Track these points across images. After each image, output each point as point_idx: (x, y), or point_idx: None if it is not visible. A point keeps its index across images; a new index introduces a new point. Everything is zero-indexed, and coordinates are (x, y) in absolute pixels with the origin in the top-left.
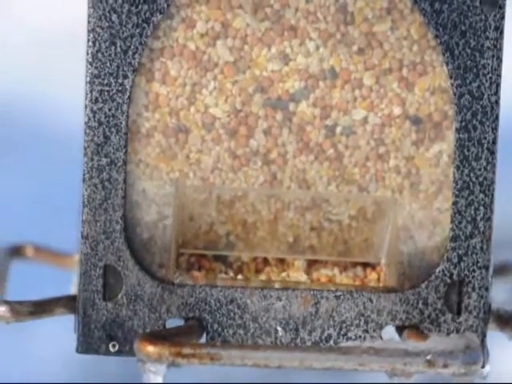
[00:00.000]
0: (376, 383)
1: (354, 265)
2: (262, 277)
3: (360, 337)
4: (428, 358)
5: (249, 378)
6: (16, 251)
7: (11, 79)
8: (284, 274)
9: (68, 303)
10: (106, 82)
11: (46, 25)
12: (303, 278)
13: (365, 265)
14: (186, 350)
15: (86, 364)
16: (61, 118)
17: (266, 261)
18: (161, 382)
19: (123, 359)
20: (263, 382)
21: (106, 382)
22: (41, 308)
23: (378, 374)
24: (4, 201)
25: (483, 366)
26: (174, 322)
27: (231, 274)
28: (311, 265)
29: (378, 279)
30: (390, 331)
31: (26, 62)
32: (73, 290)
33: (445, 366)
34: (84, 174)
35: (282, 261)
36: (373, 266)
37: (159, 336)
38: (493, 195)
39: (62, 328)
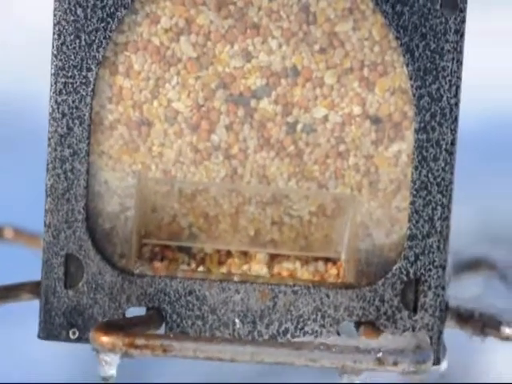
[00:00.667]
0: (375, 383)
1: (316, 259)
2: (224, 269)
3: (316, 331)
4: (378, 355)
5: (249, 378)
6: None
7: (11, 79)
8: (245, 267)
9: (34, 289)
10: (70, 74)
11: (46, 25)
12: (264, 271)
13: (326, 260)
14: (140, 341)
15: (86, 364)
16: None
17: (229, 253)
18: (114, 372)
19: (123, 360)
20: (263, 382)
21: (106, 383)
22: (6, 293)
23: (377, 375)
24: (4, 201)
25: (438, 363)
26: (136, 312)
27: (194, 265)
28: (273, 258)
29: (338, 274)
30: (350, 327)
31: (26, 62)
32: None
33: (395, 364)
34: (48, 164)
35: (244, 253)
36: (333, 261)
37: (115, 326)
38: (450, 196)
39: None
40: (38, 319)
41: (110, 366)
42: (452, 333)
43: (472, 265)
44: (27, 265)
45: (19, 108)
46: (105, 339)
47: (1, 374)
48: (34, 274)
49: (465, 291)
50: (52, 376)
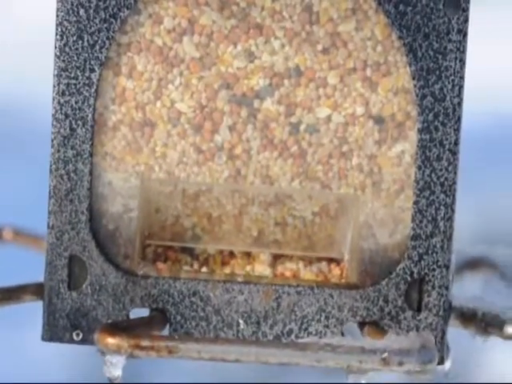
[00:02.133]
0: (374, 383)
1: (319, 260)
2: (227, 270)
3: (321, 332)
4: (383, 356)
5: (249, 378)
6: None
7: (11, 79)
8: (249, 268)
9: (36, 290)
10: (73, 75)
11: (46, 25)
12: (267, 271)
13: (329, 260)
14: (145, 343)
15: (86, 364)
16: None
17: (232, 253)
18: (120, 373)
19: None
20: (263, 382)
21: (106, 383)
22: (8, 295)
23: (378, 375)
24: (4, 200)
25: (442, 363)
26: (139, 313)
27: (197, 266)
28: (276, 259)
29: (341, 275)
30: (354, 327)
31: (26, 62)
32: None
33: (400, 364)
34: (51, 166)
35: (247, 254)
36: (337, 262)
37: (120, 327)
38: (454, 195)
39: None
40: (38, 320)
41: (116, 367)
42: (452, 332)
43: (472, 264)
44: (27, 266)
45: (19, 108)
46: (110, 341)
47: (1, 374)
48: (34, 275)
49: (465, 291)
50: (52, 376)
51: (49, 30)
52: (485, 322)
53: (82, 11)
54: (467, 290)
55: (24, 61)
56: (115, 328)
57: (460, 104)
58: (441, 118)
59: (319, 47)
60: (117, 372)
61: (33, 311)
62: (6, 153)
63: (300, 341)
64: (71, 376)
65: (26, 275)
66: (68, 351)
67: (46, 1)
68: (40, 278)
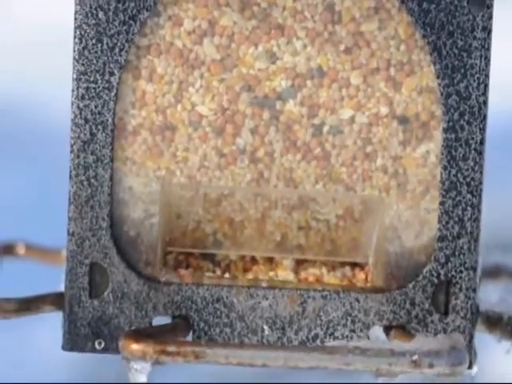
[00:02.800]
0: (378, 383)
1: (343, 264)
2: (250, 276)
3: (347, 336)
4: (413, 358)
5: (249, 378)
6: (7, 249)
7: (11, 79)
8: (272, 273)
9: (56, 300)
10: (92, 79)
11: (46, 25)
12: (291, 277)
13: (353, 264)
14: (171, 348)
15: (86, 364)
16: (61, 117)
17: (253, 260)
18: (145, 380)
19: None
20: (263, 382)
21: (106, 382)
22: (27, 305)
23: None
24: (4, 200)
25: (470, 367)
26: (161, 321)
27: (219, 272)
28: (299, 264)
29: (366, 279)
30: (378, 331)
31: (26, 62)
32: (63, 287)
33: (430, 366)
34: (70, 171)
35: (270, 260)
36: (361, 266)
37: (144, 334)
38: (480, 196)
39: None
40: (38, 320)
41: (141, 373)
42: None
43: (492, 272)
44: (40, 280)
45: (19, 108)
46: (135, 347)
47: (1, 374)
48: (48, 289)
49: (488, 297)
50: (52, 376)
51: (49, 30)
52: (511, 327)
53: (101, 14)
54: (490, 296)
55: (24, 61)
56: (139, 334)
57: (485, 102)
58: (466, 117)
59: (342, 47)
60: (142, 379)
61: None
62: (6, 153)
63: (328, 344)
64: (71, 376)
65: (40, 289)
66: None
67: (46, 1)
68: (53, 290)
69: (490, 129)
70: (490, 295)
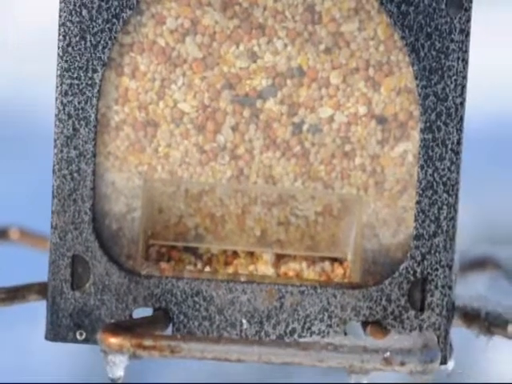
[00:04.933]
0: (377, 383)
1: (322, 259)
2: (230, 269)
3: (324, 331)
4: (385, 355)
5: (249, 378)
6: (0, 234)
7: (11, 79)
8: (252, 267)
9: (41, 290)
10: (75, 75)
11: (45, 25)
12: (270, 271)
13: (332, 260)
14: (147, 342)
15: (85, 364)
16: None
17: (235, 253)
18: (122, 373)
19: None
20: (263, 382)
21: (106, 382)
22: (13, 294)
23: (379, 375)
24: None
25: (445, 363)
26: (143, 313)
27: (200, 265)
28: (279, 258)
29: (344, 274)
30: (357, 326)
31: (26, 62)
32: None
33: (402, 363)
34: (54, 166)
35: (250, 254)
36: (340, 262)
37: (122, 327)
38: (457, 195)
39: None
40: (38, 319)
41: (118, 367)
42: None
43: (477, 264)
44: (33, 266)
45: (19, 109)
46: (113, 340)
47: (2, 374)
48: (40, 274)
49: (470, 290)
50: (52, 376)
51: (49, 31)
52: (488, 322)
53: (84, 12)
54: (472, 289)
55: (24, 61)
56: (118, 328)
57: (462, 104)
58: (443, 118)
59: (322, 47)
60: (119, 372)
61: (33, 310)
62: (5, 153)
63: (302, 340)
64: (71, 376)
65: (33, 275)
66: (68, 351)
67: (46, 1)
68: (46, 277)
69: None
70: (473, 288)
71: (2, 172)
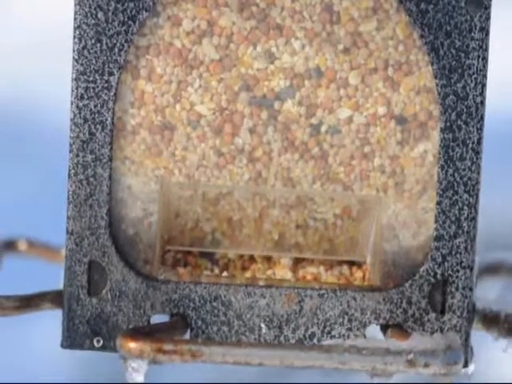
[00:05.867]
0: (376, 383)
1: (340, 263)
2: (248, 274)
3: (343, 335)
4: (409, 357)
5: (249, 378)
6: (9, 246)
7: (11, 79)
8: (270, 272)
9: (55, 298)
10: (91, 78)
11: (46, 25)
12: (288, 275)
13: (351, 263)
14: (168, 347)
15: (85, 364)
16: (61, 117)
17: (252, 258)
18: (142, 379)
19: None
20: (263, 382)
21: (106, 382)
22: (27, 303)
23: (396, 376)
24: (4, 200)
25: (466, 366)
26: (159, 319)
27: (217, 271)
28: (297, 263)
29: (364, 278)
30: (375, 330)
31: (26, 62)
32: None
33: (425, 365)
34: (69, 171)
35: (268, 258)
36: (358, 265)
37: (142, 332)
38: (477, 195)
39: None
40: (40, 319)
41: (138, 372)
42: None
43: (492, 268)
44: (42, 276)
45: (19, 108)
46: (132, 345)
47: (2, 374)
48: (49, 285)
49: (486, 294)
50: (52, 376)
51: (49, 31)
52: (508, 324)
53: (100, 14)
54: (488, 293)
55: (24, 61)
56: (137, 333)
57: (483, 102)
58: (463, 117)
59: (340, 47)
60: (139, 377)
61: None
62: (6, 153)
63: (324, 343)
64: (71, 376)
65: (42, 286)
66: (68, 351)
67: (46, 1)
68: (55, 288)
69: (492, 128)
70: (489, 292)
71: (2, 172)
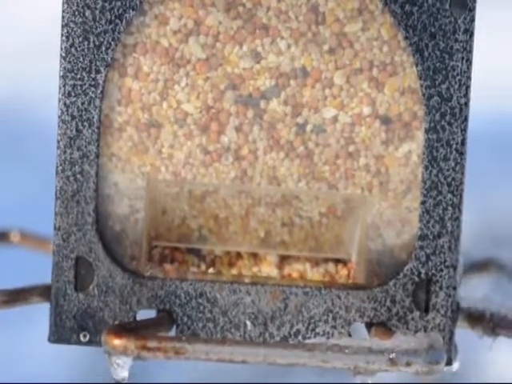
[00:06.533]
0: (376, 383)
1: (326, 260)
2: (234, 271)
3: (328, 333)
4: (391, 356)
5: (249, 378)
6: (1, 237)
7: (11, 79)
8: (256, 269)
9: (44, 292)
10: (78, 76)
11: (46, 25)
12: (274, 272)
13: (336, 261)
14: (152, 344)
15: (85, 364)
16: None
17: (238, 255)
18: (126, 375)
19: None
20: (263, 381)
21: (106, 382)
22: (16, 297)
23: (379, 374)
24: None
25: (450, 364)
26: (147, 314)
27: (204, 267)
28: (283, 260)
29: (349, 275)
30: (361, 327)
31: (26, 62)
32: None
33: (407, 364)
34: (57, 167)
35: (254, 255)
36: (344, 263)
37: (126, 328)
38: (461, 196)
39: None
40: (38, 319)
41: (122, 368)
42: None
43: (480, 265)
44: (34, 268)
45: (19, 108)
46: (117, 342)
47: (1, 374)
48: (41, 277)
49: (473, 292)
50: (52, 376)
51: (48, 31)
52: (493, 323)
53: (87, 12)
54: (475, 291)
55: (24, 61)
56: (122, 329)
57: (467, 104)
58: (447, 118)
59: (325, 47)
60: (123, 373)
61: (33, 311)
62: (5, 153)
63: (307, 341)
64: (71, 376)
65: (34, 277)
66: (68, 351)
67: (46, 1)
68: (47, 279)
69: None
70: (475, 291)
71: (2, 172)
